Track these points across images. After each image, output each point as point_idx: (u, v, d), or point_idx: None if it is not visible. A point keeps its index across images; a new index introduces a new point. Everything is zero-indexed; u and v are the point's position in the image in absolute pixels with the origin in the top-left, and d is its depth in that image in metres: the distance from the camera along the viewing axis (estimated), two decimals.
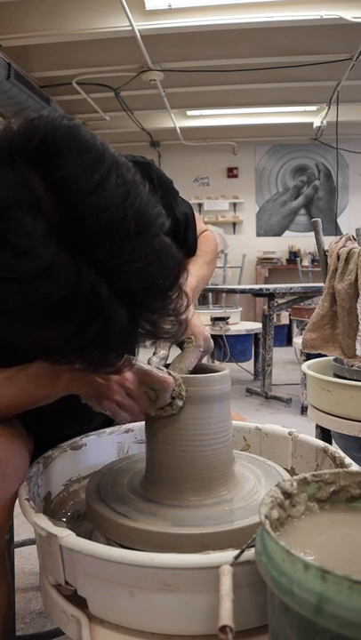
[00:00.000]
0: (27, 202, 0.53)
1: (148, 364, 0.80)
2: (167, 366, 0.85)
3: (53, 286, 0.53)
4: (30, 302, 0.54)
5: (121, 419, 0.80)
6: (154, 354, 0.87)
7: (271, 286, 3.84)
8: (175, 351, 0.91)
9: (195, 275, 1.02)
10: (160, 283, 0.59)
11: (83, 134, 0.58)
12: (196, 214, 1.15)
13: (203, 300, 4.82)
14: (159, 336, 0.65)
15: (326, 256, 1.65)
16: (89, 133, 0.59)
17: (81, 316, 0.55)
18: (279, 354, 5.02)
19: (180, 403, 0.77)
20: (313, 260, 6.76)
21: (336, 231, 6.99)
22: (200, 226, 1.16)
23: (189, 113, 6.22)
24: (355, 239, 1.67)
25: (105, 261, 0.55)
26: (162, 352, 0.88)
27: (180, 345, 0.91)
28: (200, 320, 0.96)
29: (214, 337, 3.68)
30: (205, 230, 1.20)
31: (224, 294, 5.00)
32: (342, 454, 0.84)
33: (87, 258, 0.55)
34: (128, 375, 0.77)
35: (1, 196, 0.53)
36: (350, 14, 3.65)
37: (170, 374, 0.77)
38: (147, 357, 0.84)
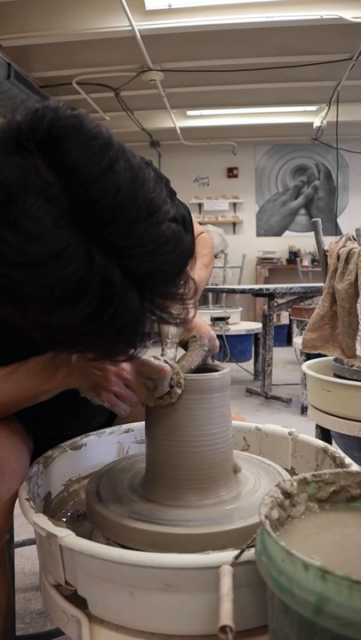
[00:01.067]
0: (37, 187, 0.54)
1: None
2: None
3: (67, 269, 0.54)
4: (44, 286, 0.54)
5: (120, 410, 0.80)
6: (161, 354, 0.87)
7: (271, 286, 3.84)
8: (182, 352, 0.91)
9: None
10: (169, 267, 0.60)
11: (87, 122, 0.58)
12: (193, 216, 1.15)
13: (203, 300, 4.82)
14: (167, 321, 0.65)
15: (326, 256, 1.65)
16: (93, 122, 0.59)
17: (94, 300, 0.56)
18: (279, 354, 5.02)
19: (178, 391, 0.77)
20: (313, 260, 6.76)
21: (336, 231, 6.98)
22: (197, 228, 1.16)
23: (189, 113, 6.22)
24: (355, 239, 1.67)
25: (116, 244, 0.55)
26: (169, 352, 0.88)
27: (185, 345, 0.91)
28: (204, 320, 0.96)
29: None
30: (202, 232, 1.20)
31: (224, 294, 4.99)
32: (342, 454, 0.84)
33: (99, 242, 0.55)
34: (125, 366, 0.77)
35: (12, 182, 0.54)
36: (350, 14, 3.64)
37: (167, 362, 0.77)
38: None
